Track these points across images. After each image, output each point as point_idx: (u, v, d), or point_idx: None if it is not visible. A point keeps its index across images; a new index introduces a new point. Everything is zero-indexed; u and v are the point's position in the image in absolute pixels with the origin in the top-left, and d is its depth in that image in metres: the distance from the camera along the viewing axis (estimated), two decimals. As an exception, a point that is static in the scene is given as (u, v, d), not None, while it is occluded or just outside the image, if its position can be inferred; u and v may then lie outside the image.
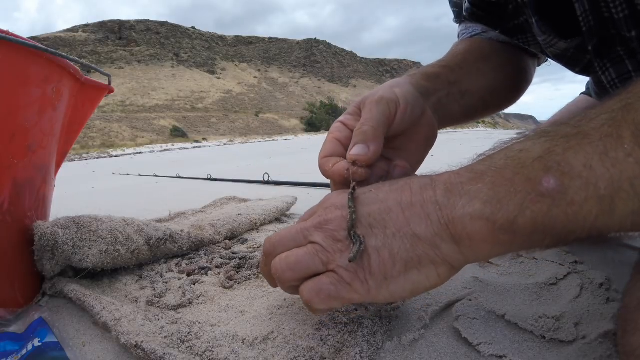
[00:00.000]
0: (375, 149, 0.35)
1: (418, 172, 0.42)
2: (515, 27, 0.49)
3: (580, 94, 0.82)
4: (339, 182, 0.36)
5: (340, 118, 0.41)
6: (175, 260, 0.60)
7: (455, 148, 4.63)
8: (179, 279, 0.53)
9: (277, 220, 0.87)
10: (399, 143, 0.41)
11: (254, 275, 0.54)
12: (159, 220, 0.84)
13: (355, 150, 0.35)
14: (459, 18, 0.60)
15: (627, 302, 0.28)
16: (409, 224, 0.29)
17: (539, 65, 0.62)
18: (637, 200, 0.22)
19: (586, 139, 0.24)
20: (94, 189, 2.19)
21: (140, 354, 0.35)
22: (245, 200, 1.05)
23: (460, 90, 0.48)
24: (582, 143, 0.24)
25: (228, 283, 0.51)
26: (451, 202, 0.28)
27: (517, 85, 0.58)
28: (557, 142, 0.25)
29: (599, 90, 0.49)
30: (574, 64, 0.46)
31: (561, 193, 0.23)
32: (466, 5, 0.52)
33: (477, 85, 0.51)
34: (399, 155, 0.41)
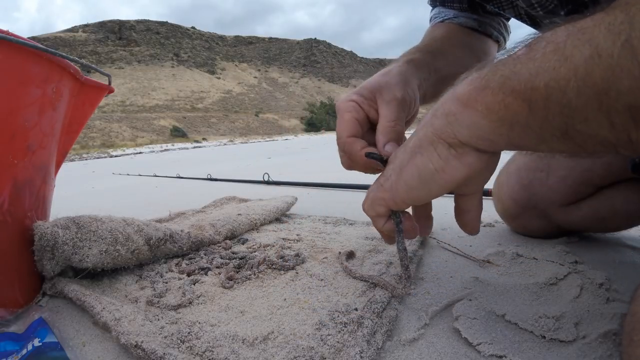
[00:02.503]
0: (391, 137, 0.41)
1: None
2: None
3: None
4: (362, 167, 0.42)
5: (352, 97, 0.44)
6: (175, 260, 0.60)
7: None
8: (179, 279, 0.53)
9: (277, 220, 0.87)
10: None
11: (254, 275, 0.54)
12: (159, 220, 0.84)
13: (389, 148, 0.39)
14: (433, 1, 0.64)
15: (635, 310, 0.27)
16: (424, 123, 0.33)
17: (499, 50, 0.66)
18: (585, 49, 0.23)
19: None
20: (94, 189, 2.19)
21: (140, 354, 0.35)
22: (245, 200, 1.05)
23: (439, 77, 0.52)
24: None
25: (228, 283, 0.51)
26: (451, 90, 0.31)
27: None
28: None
29: None
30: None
31: (525, 54, 0.26)
32: None
33: (454, 71, 0.53)
34: None
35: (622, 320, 0.36)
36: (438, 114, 0.31)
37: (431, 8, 0.66)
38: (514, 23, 0.65)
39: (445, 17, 0.61)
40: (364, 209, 0.39)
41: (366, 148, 0.40)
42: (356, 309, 0.40)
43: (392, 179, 0.35)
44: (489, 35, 0.62)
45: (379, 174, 0.39)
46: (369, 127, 0.44)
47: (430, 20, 0.65)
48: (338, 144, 0.42)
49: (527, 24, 0.54)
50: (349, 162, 0.43)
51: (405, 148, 0.35)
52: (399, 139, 0.40)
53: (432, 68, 0.51)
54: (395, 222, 0.39)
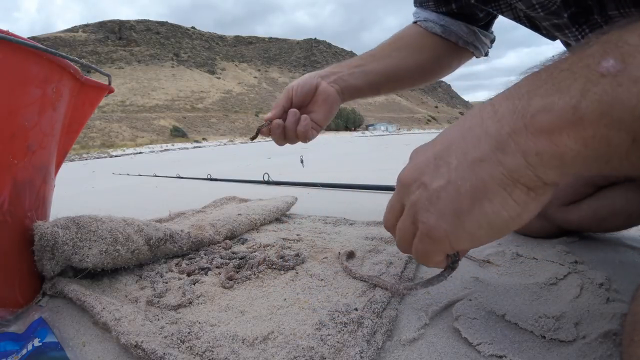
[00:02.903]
0: (273, 114, 0.64)
1: None
2: None
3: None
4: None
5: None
6: (175, 260, 0.60)
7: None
8: (179, 279, 0.53)
9: (277, 220, 0.87)
10: (310, 108, 0.65)
11: (254, 275, 0.54)
12: (159, 220, 0.84)
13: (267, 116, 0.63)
14: (416, 2, 0.70)
15: (635, 309, 0.26)
16: (468, 148, 0.27)
17: (477, 57, 0.72)
18: None
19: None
20: (94, 189, 2.19)
21: (140, 354, 0.35)
22: (245, 200, 1.05)
23: (363, 70, 0.65)
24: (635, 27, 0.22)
25: (228, 283, 0.51)
26: (509, 107, 0.25)
27: (431, 69, 0.70)
28: (610, 37, 0.23)
29: None
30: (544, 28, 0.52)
31: (622, 71, 0.21)
32: None
33: (381, 67, 0.66)
34: (311, 114, 0.64)
35: (622, 320, 0.36)
36: (509, 150, 0.25)
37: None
38: (511, 25, 0.67)
39: (418, 19, 0.69)
40: (418, 260, 0.33)
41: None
42: (356, 309, 0.40)
43: (446, 229, 0.28)
44: (454, 43, 0.67)
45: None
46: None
47: (413, 15, 0.71)
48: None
49: (526, 26, 0.55)
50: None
51: (448, 176, 0.28)
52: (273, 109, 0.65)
53: (353, 65, 0.66)
54: (451, 262, 0.34)
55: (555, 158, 0.24)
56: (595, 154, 0.23)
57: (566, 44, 0.54)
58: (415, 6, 0.70)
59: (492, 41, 0.71)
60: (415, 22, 0.69)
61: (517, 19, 0.55)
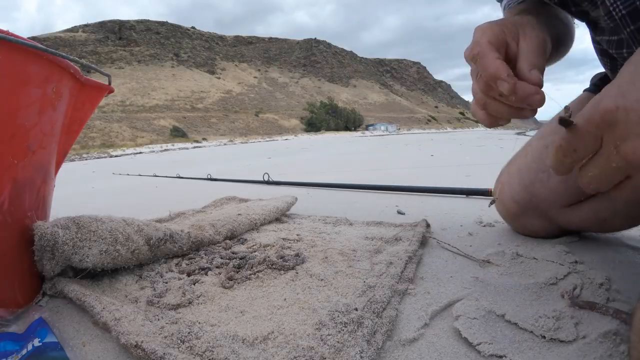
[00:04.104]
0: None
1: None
2: None
3: (584, 91, 0.83)
4: (505, 91, 0.35)
5: (494, 25, 0.41)
6: (175, 260, 0.60)
7: (455, 148, 4.64)
8: (179, 279, 0.53)
9: (277, 220, 0.87)
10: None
11: (254, 275, 0.54)
12: (159, 220, 0.84)
13: (535, 74, 0.36)
14: None
15: None
16: None
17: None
18: None
19: None
20: (94, 189, 2.19)
21: (140, 354, 0.35)
22: (245, 200, 1.05)
23: (549, 23, 0.47)
24: None
25: (228, 283, 0.51)
26: None
27: (569, 37, 0.58)
28: None
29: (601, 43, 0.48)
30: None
31: None
32: None
33: (551, 29, 0.48)
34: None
35: (625, 318, 0.36)
36: None
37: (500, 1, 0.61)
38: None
39: (518, 0, 0.56)
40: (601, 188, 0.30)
41: (501, 61, 0.36)
42: (356, 309, 0.40)
43: None
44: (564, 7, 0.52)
45: None
46: (504, 57, 0.39)
47: (504, 8, 0.60)
48: (471, 57, 0.38)
49: (553, 2, 0.49)
50: (483, 88, 0.37)
51: None
52: (542, 69, 0.38)
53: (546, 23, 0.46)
54: None
55: None
56: None
57: (588, 23, 0.48)
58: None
59: None
60: (518, 4, 0.56)
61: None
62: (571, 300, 0.41)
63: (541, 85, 0.36)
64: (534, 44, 0.39)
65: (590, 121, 0.29)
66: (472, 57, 0.38)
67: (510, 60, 0.38)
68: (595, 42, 0.53)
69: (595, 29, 0.49)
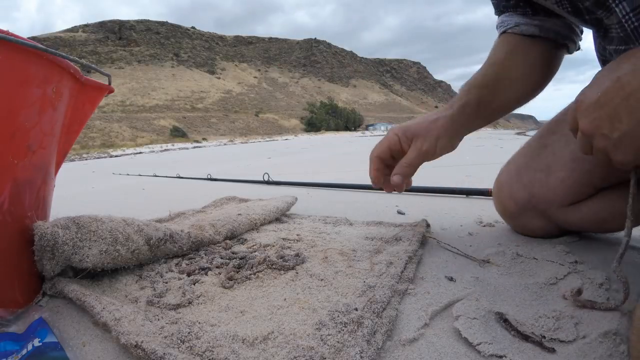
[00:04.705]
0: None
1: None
2: None
3: None
4: (373, 179, 0.64)
5: (398, 131, 0.61)
6: (175, 260, 0.60)
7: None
8: (179, 279, 0.53)
9: (277, 220, 0.87)
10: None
11: (254, 275, 0.54)
12: (159, 220, 0.84)
13: (395, 179, 0.59)
14: (497, 9, 0.66)
15: None
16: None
17: (570, 53, 0.65)
18: None
19: None
20: (94, 189, 2.19)
21: (140, 354, 0.35)
22: (245, 200, 1.05)
23: (489, 108, 0.61)
24: None
25: (228, 283, 0.51)
26: None
27: (543, 79, 0.64)
28: None
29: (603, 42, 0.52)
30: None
31: None
32: None
33: (506, 99, 0.62)
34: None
35: (625, 317, 0.36)
36: None
37: (497, 16, 0.66)
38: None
39: (507, 27, 0.62)
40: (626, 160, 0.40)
41: (376, 171, 0.63)
42: (356, 309, 0.40)
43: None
44: (553, 40, 0.61)
45: None
46: (401, 156, 0.60)
47: (497, 28, 0.65)
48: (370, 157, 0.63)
49: (567, 11, 0.51)
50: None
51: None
52: (406, 176, 0.59)
53: (483, 105, 0.60)
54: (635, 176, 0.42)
55: None
56: None
57: (598, 30, 0.51)
58: (499, 14, 0.64)
59: (582, 32, 0.63)
60: (504, 32, 0.63)
61: (558, 3, 0.51)
62: (573, 299, 0.41)
63: (400, 187, 0.59)
64: (412, 155, 0.59)
65: (571, 110, 0.43)
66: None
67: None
68: (599, 52, 0.55)
69: (604, 37, 0.51)
